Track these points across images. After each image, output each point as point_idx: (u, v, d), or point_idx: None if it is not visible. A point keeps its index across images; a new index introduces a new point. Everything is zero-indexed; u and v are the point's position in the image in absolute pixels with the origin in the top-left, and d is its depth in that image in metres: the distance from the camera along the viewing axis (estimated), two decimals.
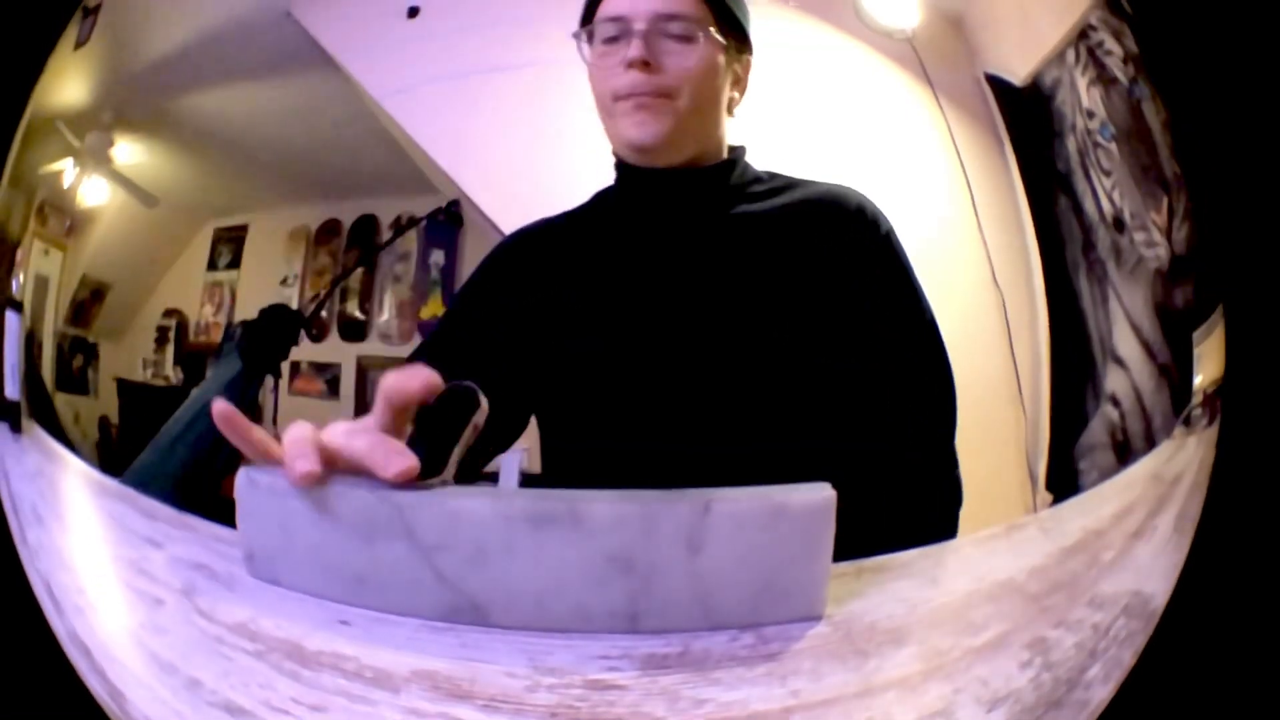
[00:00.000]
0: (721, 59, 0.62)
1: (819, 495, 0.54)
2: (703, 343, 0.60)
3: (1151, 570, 0.66)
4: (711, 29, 0.61)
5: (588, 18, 0.63)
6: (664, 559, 0.52)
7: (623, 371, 0.60)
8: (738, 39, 0.62)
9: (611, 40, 0.61)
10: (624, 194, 0.63)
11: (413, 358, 0.63)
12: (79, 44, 0.76)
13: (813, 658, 0.54)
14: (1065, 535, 0.63)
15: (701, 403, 0.60)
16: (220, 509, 0.65)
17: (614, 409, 0.61)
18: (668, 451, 0.59)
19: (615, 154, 0.63)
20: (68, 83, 0.76)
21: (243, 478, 0.59)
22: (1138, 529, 0.66)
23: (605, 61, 0.62)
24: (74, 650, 0.71)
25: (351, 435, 0.56)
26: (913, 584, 0.59)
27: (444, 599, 0.54)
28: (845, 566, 0.57)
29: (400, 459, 0.54)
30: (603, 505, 0.52)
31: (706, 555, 0.52)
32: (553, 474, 0.61)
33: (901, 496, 0.62)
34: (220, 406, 0.57)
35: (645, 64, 0.60)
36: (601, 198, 0.63)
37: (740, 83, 0.63)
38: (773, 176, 0.64)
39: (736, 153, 0.64)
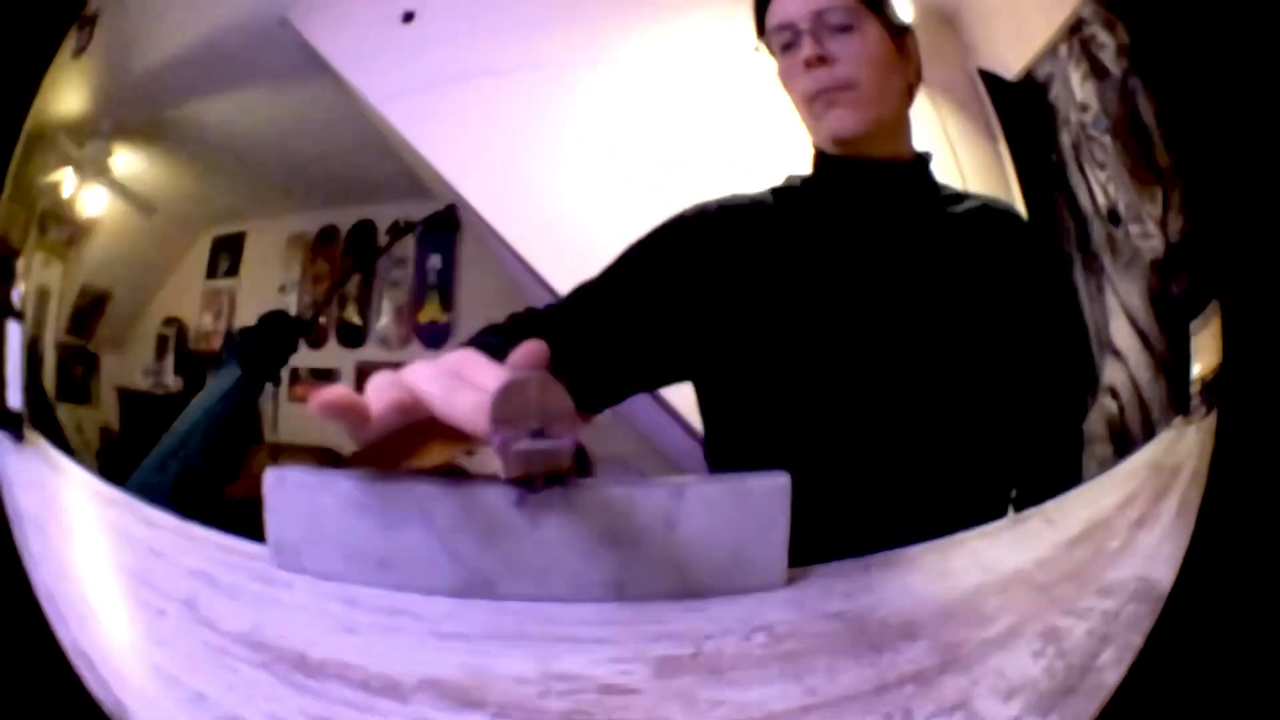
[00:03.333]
0: (888, 41, 0.63)
1: (775, 481, 0.58)
2: (895, 331, 0.62)
3: (1156, 556, 0.67)
4: (867, 13, 0.62)
5: (760, 29, 0.63)
6: (645, 535, 0.56)
7: (809, 353, 0.62)
8: (896, 20, 0.64)
9: (787, 47, 0.63)
10: (826, 184, 0.63)
11: (549, 315, 0.63)
12: (77, 53, 0.75)
13: (827, 654, 0.55)
14: (1070, 526, 0.63)
15: (880, 383, 0.62)
16: (222, 516, 0.64)
17: (793, 388, 0.62)
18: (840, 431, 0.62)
19: (817, 146, 0.63)
20: (66, 92, 0.76)
21: (271, 476, 0.61)
22: (1141, 517, 0.66)
23: (788, 67, 0.63)
24: (79, 661, 0.70)
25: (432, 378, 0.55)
26: (921, 578, 0.59)
27: (458, 576, 0.57)
28: (853, 561, 0.59)
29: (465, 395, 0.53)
30: (592, 491, 0.57)
31: (681, 531, 0.56)
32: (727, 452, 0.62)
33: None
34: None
35: (820, 60, 0.62)
36: (789, 187, 0.63)
37: (914, 65, 0.64)
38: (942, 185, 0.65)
39: (925, 154, 0.65)
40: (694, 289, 0.63)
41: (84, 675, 0.69)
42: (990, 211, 0.64)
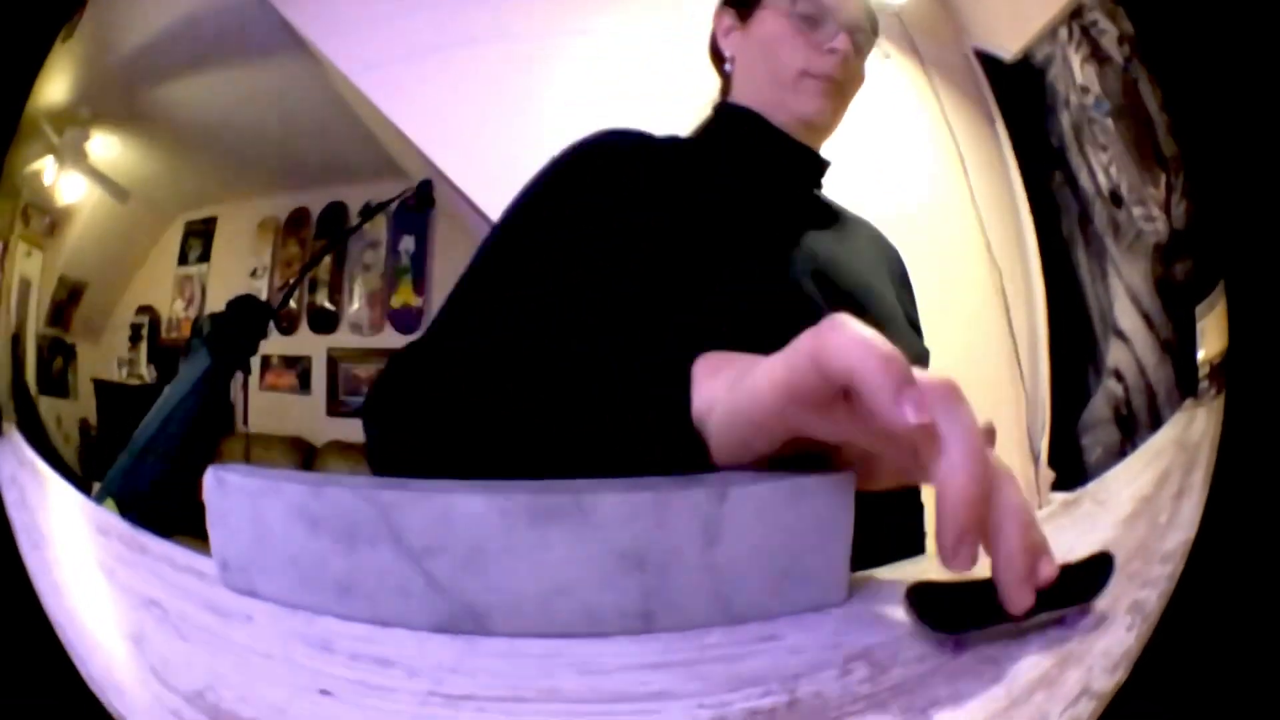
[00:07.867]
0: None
1: (837, 477, 0.42)
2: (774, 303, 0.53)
3: (1195, 521, 0.59)
4: (873, 48, 0.57)
5: None
6: (679, 552, 0.40)
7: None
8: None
9: (809, 20, 0.56)
10: (747, 144, 0.56)
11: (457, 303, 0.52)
12: (64, 40, 0.65)
13: (946, 682, 0.40)
14: (1120, 506, 0.53)
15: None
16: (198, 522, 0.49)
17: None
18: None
19: (754, 109, 0.56)
20: (53, 80, 0.65)
21: (210, 478, 0.46)
22: (1179, 490, 0.57)
23: (800, 39, 0.55)
24: (78, 660, 0.56)
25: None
26: None
27: (438, 607, 0.40)
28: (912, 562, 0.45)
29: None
30: (611, 496, 0.39)
31: (725, 545, 0.40)
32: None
33: None
34: None
35: (846, 57, 0.55)
36: (711, 138, 0.56)
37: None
38: None
39: (827, 160, 0.58)
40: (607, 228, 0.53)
41: (83, 674, 0.56)
42: (865, 225, 0.57)
